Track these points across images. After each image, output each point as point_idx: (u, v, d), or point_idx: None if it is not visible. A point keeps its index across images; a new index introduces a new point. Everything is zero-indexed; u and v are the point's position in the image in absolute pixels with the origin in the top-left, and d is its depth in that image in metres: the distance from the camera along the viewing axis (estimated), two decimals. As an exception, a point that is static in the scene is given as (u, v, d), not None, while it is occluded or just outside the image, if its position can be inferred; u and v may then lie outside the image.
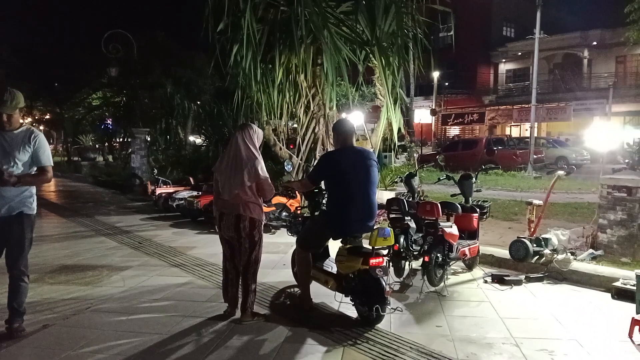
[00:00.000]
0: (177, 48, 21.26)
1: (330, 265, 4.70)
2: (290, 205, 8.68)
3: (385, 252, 4.32)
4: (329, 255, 4.94)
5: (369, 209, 4.41)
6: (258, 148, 4.39)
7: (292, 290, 5.21)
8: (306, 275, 4.65)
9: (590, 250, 6.15)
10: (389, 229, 4.26)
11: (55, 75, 28.29)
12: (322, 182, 4.75)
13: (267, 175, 4.32)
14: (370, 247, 4.17)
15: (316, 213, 4.97)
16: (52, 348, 3.83)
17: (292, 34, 7.83)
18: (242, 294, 4.35)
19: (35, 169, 3.97)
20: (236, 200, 4.23)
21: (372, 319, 4.13)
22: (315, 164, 5.08)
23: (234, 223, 4.25)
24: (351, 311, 4.43)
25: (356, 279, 4.26)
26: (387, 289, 4.15)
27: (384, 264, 4.19)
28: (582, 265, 5.68)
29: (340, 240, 4.50)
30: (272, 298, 4.99)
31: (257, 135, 4.44)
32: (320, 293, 4.76)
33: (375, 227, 4.30)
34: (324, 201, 4.89)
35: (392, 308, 4.34)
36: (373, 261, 4.09)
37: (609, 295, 5.00)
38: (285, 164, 4.47)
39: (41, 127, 44.72)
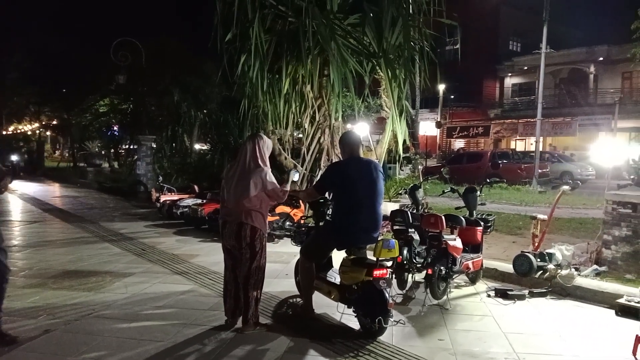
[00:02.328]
0: (186, 54, 21.38)
1: (334, 276, 4.69)
2: (294, 214, 8.69)
3: (389, 263, 4.31)
4: (333, 266, 4.94)
5: (374, 220, 4.41)
6: (267, 158, 4.43)
7: (294, 300, 5.21)
8: (309, 285, 4.66)
9: (595, 266, 6.12)
10: (394, 240, 4.25)
11: (63, 81, 28.51)
12: (327, 192, 4.78)
13: (275, 183, 4.33)
14: (375, 259, 4.17)
15: (321, 223, 4.97)
16: (54, 353, 3.84)
17: (300, 45, 7.88)
18: (244, 305, 4.31)
19: None
20: (239, 208, 4.24)
21: (375, 330, 4.11)
22: (321, 173, 5.11)
23: (236, 231, 4.25)
24: (353, 322, 4.40)
25: (359, 290, 4.24)
26: (390, 301, 4.14)
27: (388, 275, 4.18)
28: (586, 281, 5.65)
29: (345, 250, 4.50)
30: (275, 308, 4.98)
31: (267, 145, 4.48)
32: (322, 304, 4.77)
33: (379, 239, 4.30)
34: (328, 211, 4.91)
35: (394, 320, 4.33)
36: (377, 272, 4.09)
37: (612, 312, 4.96)
38: (292, 173, 4.51)
39: (48, 133, 45.09)
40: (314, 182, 4.92)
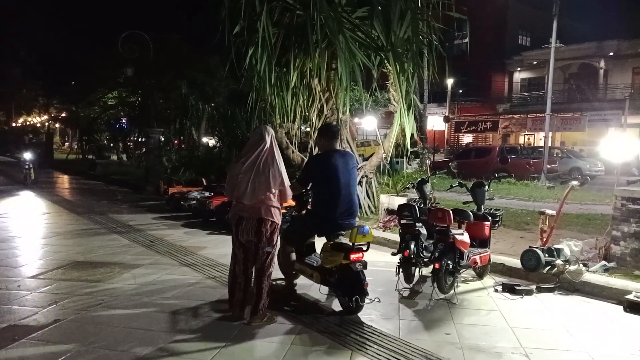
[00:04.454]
0: (191, 51, 21.42)
1: (315, 260, 5.04)
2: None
3: (365, 247, 4.59)
4: (315, 252, 5.24)
5: (351, 207, 4.82)
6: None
7: (276, 282, 5.28)
8: (290, 268, 5.09)
9: (603, 262, 6.08)
10: (367, 227, 4.63)
11: (71, 74, 28.65)
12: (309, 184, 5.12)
13: (289, 183, 4.39)
14: (351, 244, 4.50)
15: (303, 212, 5.38)
16: (63, 343, 3.88)
17: (307, 38, 7.86)
18: (255, 296, 4.34)
19: None
20: (259, 204, 4.25)
21: (352, 308, 4.50)
22: (304, 167, 5.42)
23: (256, 227, 4.27)
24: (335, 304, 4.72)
25: (338, 273, 4.59)
26: (366, 281, 4.50)
27: (364, 258, 4.55)
28: (594, 276, 5.63)
29: (325, 237, 4.84)
30: (280, 299, 5.00)
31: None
32: (304, 285, 5.19)
33: (355, 225, 4.68)
34: (310, 200, 5.23)
35: (370, 299, 4.61)
36: (353, 256, 4.46)
37: (621, 308, 4.94)
38: None
39: (57, 125, 45.37)
40: (297, 177, 5.09)
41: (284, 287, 5.16)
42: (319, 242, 4.96)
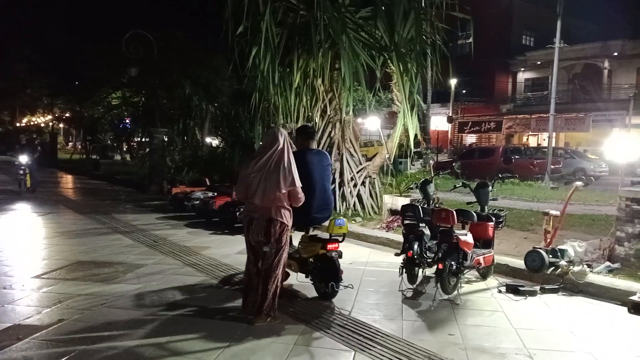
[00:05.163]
0: (196, 48, 21.39)
1: (294, 251, 5.33)
2: None
3: (340, 238, 4.95)
4: (293, 244, 5.49)
5: (326, 202, 5.10)
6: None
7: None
8: None
9: (607, 263, 6.07)
10: (344, 219, 5.02)
11: (75, 74, 28.71)
12: None
13: (300, 184, 4.41)
14: (328, 235, 4.87)
15: None
16: (67, 342, 3.89)
17: (311, 38, 7.87)
18: (260, 296, 4.35)
19: None
20: (268, 203, 4.28)
21: (329, 293, 4.90)
22: None
23: (265, 227, 4.31)
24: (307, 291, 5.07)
25: (316, 262, 4.98)
26: (341, 269, 4.88)
27: (339, 248, 4.92)
28: (598, 277, 5.61)
29: (302, 230, 5.19)
30: (283, 300, 5.01)
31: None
32: (304, 285, 5.33)
33: (331, 218, 5.00)
34: None
35: (344, 285, 4.91)
36: (330, 246, 4.84)
37: (625, 309, 4.92)
38: None
39: (61, 125, 45.51)
40: None
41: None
42: (297, 236, 5.29)
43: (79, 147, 40.56)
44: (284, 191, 4.27)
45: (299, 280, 5.30)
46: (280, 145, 4.33)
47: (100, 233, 8.56)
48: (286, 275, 5.26)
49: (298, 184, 4.36)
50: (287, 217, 4.39)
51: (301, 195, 4.44)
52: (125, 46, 17.52)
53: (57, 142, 37.83)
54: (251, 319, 4.35)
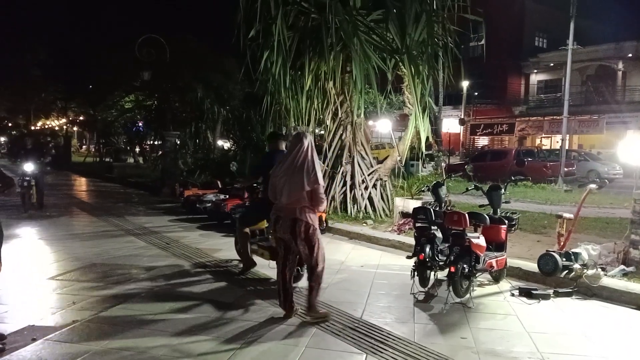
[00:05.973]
0: (208, 52, 21.53)
1: (266, 241, 5.98)
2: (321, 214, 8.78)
3: None
4: (265, 235, 6.28)
5: None
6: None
7: (233, 262, 6.58)
8: (246, 245, 6.03)
9: (622, 267, 5.99)
10: None
11: (89, 77, 29.01)
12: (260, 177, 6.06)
13: (323, 184, 4.50)
14: None
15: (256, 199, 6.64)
16: (80, 343, 3.93)
17: (322, 41, 7.89)
18: (308, 291, 4.52)
19: None
20: (293, 204, 4.40)
21: (295, 275, 5.03)
22: (257, 163, 7.00)
23: (290, 226, 4.43)
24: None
25: None
26: None
27: None
28: (612, 281, 5.55)
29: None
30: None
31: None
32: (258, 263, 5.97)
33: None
34: (260, 189, 6.29)
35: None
36: None
37: (639, 313, 4.87)
38: (230, 165, 6.75)
39: (75, 128, 46.02)
40: (250, 170, 6.22)
41: (244, 266, 6.09)
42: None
43: (93, 149, 40.95)
44: (308, 188, 4.36)
45: (271, 267, 5.51)
46: (304, 148, 4.47)
47: (113, 235, 8.64)
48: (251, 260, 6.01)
49: (321, 182, 4.45)
50: (311, 218, 4.48)
51: (322, 196, 4.50)
52: (138, 50, 17.68)
53: (72, 145, 38.22)
54: (302, 314, 4.55)
